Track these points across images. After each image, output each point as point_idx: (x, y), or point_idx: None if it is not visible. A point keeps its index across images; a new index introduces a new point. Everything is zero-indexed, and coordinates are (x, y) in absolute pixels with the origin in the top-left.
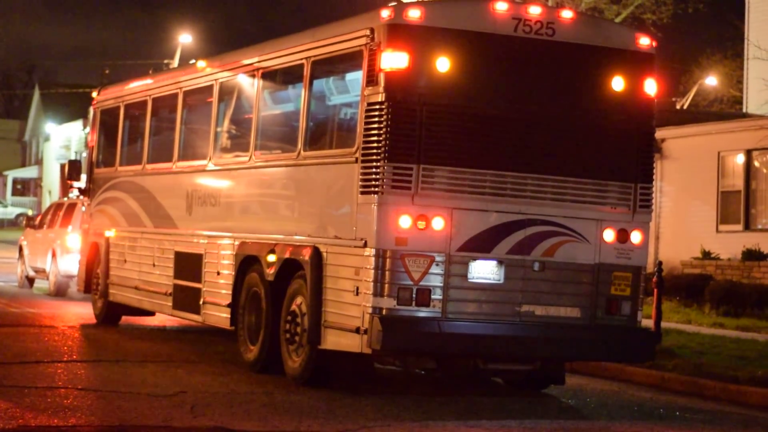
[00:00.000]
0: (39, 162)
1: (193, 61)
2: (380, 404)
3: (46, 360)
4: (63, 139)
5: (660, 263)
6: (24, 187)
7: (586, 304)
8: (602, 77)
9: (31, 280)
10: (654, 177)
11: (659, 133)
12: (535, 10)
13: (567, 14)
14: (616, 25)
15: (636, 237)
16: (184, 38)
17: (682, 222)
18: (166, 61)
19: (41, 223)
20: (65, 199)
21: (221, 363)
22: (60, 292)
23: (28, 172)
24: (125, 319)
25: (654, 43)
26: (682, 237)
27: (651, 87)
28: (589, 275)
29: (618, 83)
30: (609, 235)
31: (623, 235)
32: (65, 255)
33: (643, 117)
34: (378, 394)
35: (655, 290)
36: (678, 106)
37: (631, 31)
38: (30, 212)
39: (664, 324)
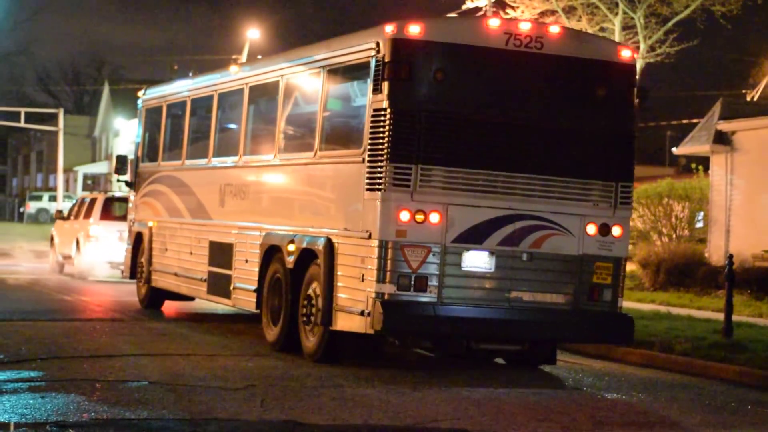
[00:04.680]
0: (109, 157)
1: (245, 63)
2: (449, 398)
3: (116, 354)
4: (132, 134)
5: (731, 257)
6: (94, 182)
7: (570, 291)
8: (586, 86)
9: (61, 266)
10: (634, 176)
11: (729, 126)
12: (525, 26)
13: (554, 29)
14: (600, 38)
15: (616, 231)
16: (252, 34)
17: (753, 215)
18: (234, 57)
19: (69, 216)
20: (88, 193)
21: (291, 357)
22: (83, 275)
23: (98, 168)
24: (194, 313)
25: (635, 55)
26: (753, 230)
27: (632, 94)
28: (573, 265)
29: (601, 91)
30: (591, 229)
31: (605, 229)
32: (87, 243)
33: (624, 122)
34: (447, 388)
35: (726, 284)
36: (748, 98)
37: (614, 44)
38: None
39: (735, 317)
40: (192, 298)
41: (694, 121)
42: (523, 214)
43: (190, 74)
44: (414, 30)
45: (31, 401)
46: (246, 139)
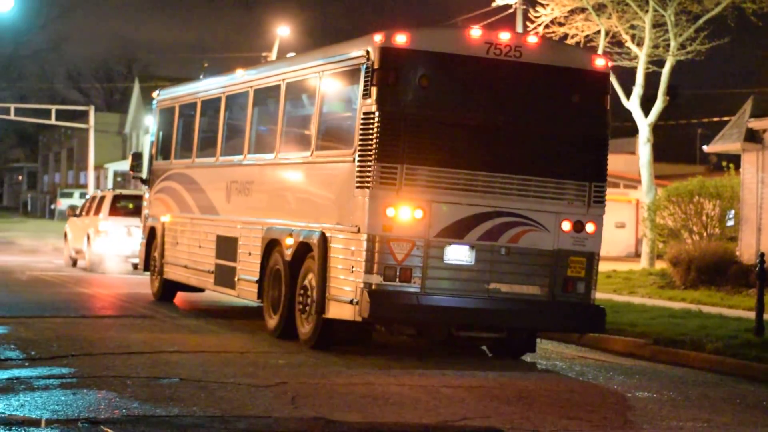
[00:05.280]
0: None
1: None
2: (479, 396)
3: (147, 351)
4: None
5: (762, 255)
6: (124, 179)
7: (545, 283)
8: (562, 92)
9: (74, 261)
10: (606, 177)
11: (760, 123)
12: (504, 36)
13: (532, 39)
14: (575, 48)
15: (590, 227)
16: (282, 31)
17: None
18: (264, 54)
19: (81, 212)
20: (98, 191)
21: (322, 355)
22: (94, 268)
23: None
24: (224, 309)
25: (608, 63)
26: None
27: (605, 100)
28: (548, 259)
29: (576, 97)
30: (566, 225)
31: (579, 226)
32: (96, 237)
33: (597, 126)
34: (477, 387)
35: (758, 282)
36: None
37: (588, 53)
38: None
39: (766, 316)
40: (201, 290)
41: (725, 118)
42: (502, 211)
43: (201, 76)
44: (400, 39)
45: (63, 398)
46: (250, 138)
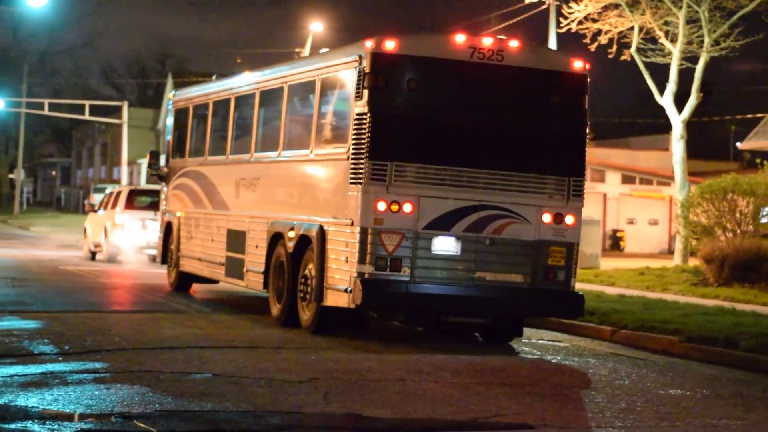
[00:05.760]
0: None
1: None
2: (512, 393)
3: (180, 346)
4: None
5: None
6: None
7: (527, 271)
8: (542, 93)
9: (93, 254)
10: (585, 172)
11: None
12: (487, 41)
13: (513, 44)
14: (555, 51)
15: (569, 219)
16: (315, 26)
17: None
18: (296, 50)
19: (98, 208)
20: (115, 187)
21: (353, 350)
22: (111, 259)
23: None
24: (257, 305)
25: (587, 66)
26: None
27: (583, 100)
28: (530, 249)
29: (555, 98)
30: (547, 217)
31: (558, 218)
32: (113, 231)
33: (575, 124)
34: (510, 385)
35: None
36: None
37: (567, 56)
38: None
39: None
40: (215, 281)
41: (759, 115)
42: (486, 204)
43: (214, 77)
44: (390, 45)
45: (96, 392)
46: (257, 137)
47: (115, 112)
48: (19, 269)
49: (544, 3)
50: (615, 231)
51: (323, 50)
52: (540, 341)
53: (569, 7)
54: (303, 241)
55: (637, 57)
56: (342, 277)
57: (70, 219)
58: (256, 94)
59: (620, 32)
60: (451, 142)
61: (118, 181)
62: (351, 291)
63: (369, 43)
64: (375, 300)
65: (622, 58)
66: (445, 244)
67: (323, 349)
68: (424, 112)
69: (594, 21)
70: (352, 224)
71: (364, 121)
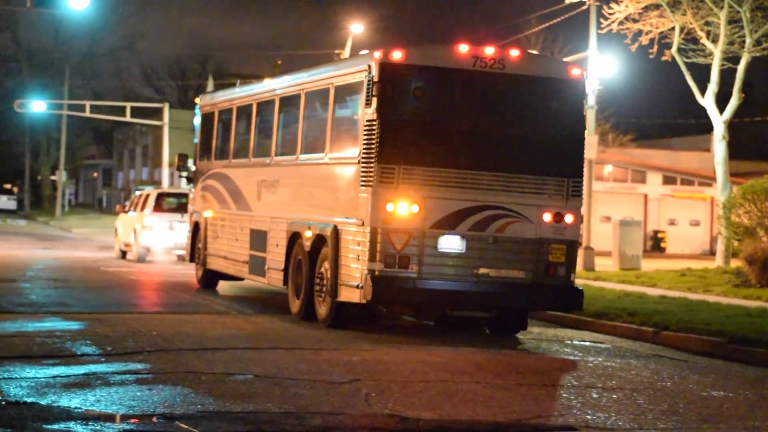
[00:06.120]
0: None
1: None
2: (553, 394)
3: (222, 347)
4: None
5: None
6: None
7: (529, 268)
8: (541, 99)
9: (123, 253)
10: (583, 173)
11: None
12: (489, 50)
13: (514, 53)
14: (553, 59)
15: (569, 218)
16: (355, 28)
17: None
18: (337, 52)
19: (128, 209)
20: (145, 189)
21: (396, 351)
22: (140, 259)
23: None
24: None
25: (583, 72)
26: None
27: (580, 105)
28: (531, 246)
29: (554, 104)
30: (547, 216)
31: (558, 217)
32: (142, 231)
33: (573, 128)
34: (551, 386)
35: None
36: None
37: (565, 63)
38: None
39: None
40: (240, 279)
41: None
42: (489, 204)
43: (237, 83)
44: (397, 55)
45: (139, 393)
46: (277, 141)
47: (156, 113)
48: (62, 270)
49: (584, 3)
50: (656, 232)
51: (344, 56)
52: (582, 342)
53: (610, 8)
54: (319, 240)
55: (678, 57)
56: (354, 274)
57: (112, 220)
58: (276, 100)
59: (661, 33)
60: (455, 146)
61: (159, 183)
62: (362, 287)
63: (377, 54)
64: (384, 295)
65: (663, 58)
66: (451, 243)
67: (365, 351)
68: (429, 118)
69: (635, 21)
70: (363, 224)
71: (374, 127)
